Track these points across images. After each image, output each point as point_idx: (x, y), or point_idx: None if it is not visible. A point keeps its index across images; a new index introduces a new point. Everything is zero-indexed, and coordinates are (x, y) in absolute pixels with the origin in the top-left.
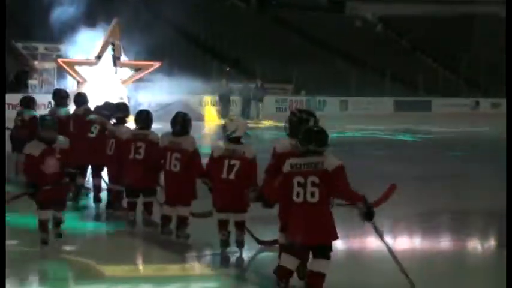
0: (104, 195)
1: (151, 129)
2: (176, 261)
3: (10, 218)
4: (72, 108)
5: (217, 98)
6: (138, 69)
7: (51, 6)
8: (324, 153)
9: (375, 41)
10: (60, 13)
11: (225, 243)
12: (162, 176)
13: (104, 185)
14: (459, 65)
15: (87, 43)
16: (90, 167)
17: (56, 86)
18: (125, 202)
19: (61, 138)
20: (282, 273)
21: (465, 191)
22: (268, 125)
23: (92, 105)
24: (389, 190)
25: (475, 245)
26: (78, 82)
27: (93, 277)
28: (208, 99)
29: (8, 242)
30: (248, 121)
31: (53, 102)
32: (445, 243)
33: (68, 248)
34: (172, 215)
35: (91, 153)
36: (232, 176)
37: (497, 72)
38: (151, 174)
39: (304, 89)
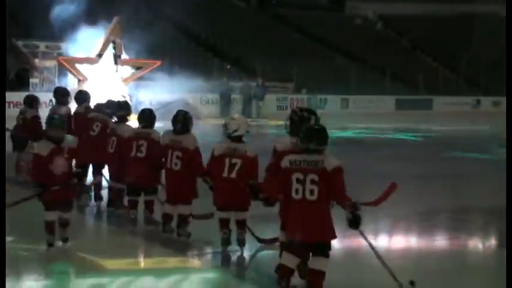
0: (105, 193)
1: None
2: (177, 259)
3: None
4: (73, 106)
5: (217, 96)
6: (138, 67)
7: (52, 4)
8: (324, 152)
9: (375, 39)
10: (61, 11)
11: (226, 242)
12: (163, 174)
13: (105, 183)
14: (459, 64)
15: (88, 41)
16: (91, 165)
17: (57, 84)
18: (125, 200)
19: (69, 137)
20: (282, 272)
21: (465, 190)
22: (269, 124)
23: (92, 103)
24: (390, 189)
25: (475, 244)
26: (79, 80)
27: (93, 271)
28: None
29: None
30: (249, 120)
31: (54, 101)
32: (445, 242)
33: (68, 245)
34: (173, 213)
35: (92, 152)
36: (233, 175)
37: (497, 71)
38: (153, 172)
39: (305, 87)
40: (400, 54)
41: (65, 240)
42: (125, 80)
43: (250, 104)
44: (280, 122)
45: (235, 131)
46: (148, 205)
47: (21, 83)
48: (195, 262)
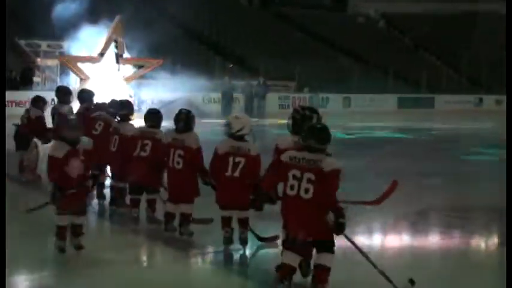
0: (107, 192)
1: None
2: (179, 258)
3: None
4: (75, 105)
5: (219, 95)
6: (141, 66)
7: (54, 3)
8: (325, 152)
9: (378, 38)
10: (63, 10)
11: (228, 240)
12: (165, 176)
13: (107, 182)
14: (460, 62)
15: (89, 40)
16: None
17: (59, 83)
18: (128, 199)
19: (85, 139)
20: (283, 271)
21: (467, 188)
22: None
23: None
24: (391, 187)
25: (476, 242)
26: (81, 79)
27: (95, 269)
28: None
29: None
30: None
31: (56, 99)
32: (446, 240)
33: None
34: (176, 212)
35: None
36: (237, 174)
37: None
38: (155, 172)
39: (307, 86)
40: (403, 53)
41: (79, 247)
42: (127, 79)
43: (252, 103)
44: (283, 121)
45: (240, 130)
46: (151, 204)
47: (25, 82)
48: (197, 261)
